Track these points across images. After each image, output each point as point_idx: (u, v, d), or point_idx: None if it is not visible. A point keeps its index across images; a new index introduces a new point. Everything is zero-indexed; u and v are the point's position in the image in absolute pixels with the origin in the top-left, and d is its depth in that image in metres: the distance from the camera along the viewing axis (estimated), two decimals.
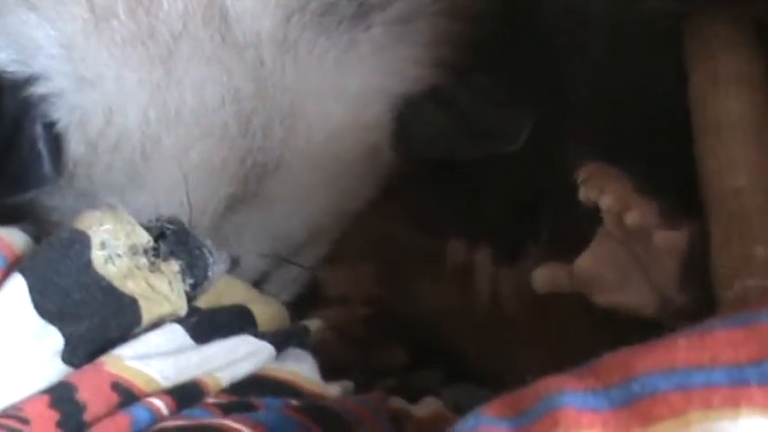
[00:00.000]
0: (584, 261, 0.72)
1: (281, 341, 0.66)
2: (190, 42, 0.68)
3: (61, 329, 0.58)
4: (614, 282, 0.71)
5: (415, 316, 0.84)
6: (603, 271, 0.71)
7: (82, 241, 0.61)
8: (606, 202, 0.69)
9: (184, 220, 0.69)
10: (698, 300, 0.69)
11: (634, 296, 0.70)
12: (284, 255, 0.77)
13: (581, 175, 0.70)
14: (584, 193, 0.70)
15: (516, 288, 0.82)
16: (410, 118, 0.75)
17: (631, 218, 0.68)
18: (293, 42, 0.69)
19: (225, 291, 0.68)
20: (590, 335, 0.75)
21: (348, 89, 0.72)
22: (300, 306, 0.78)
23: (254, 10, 0.68)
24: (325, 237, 0.79)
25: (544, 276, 0.73)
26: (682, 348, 0.44)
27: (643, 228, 0.68)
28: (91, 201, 0.70)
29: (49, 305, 0.58)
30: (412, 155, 0.77)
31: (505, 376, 0.79)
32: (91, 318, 0.59)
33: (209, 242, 0.67)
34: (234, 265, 0.71)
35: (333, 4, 0.70)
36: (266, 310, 0.68)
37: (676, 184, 0.71)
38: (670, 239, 0.68)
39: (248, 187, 0.72)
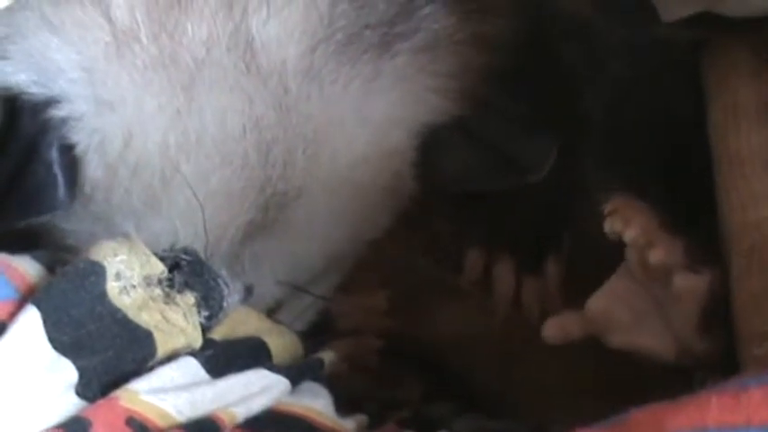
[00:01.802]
0: (598, 301, 0.71)
1: (296, 375, 0.65)
2: (213, 69, 0.67)
3: (75, 362, 0.57)
4: (630, 323, 0.70)
5: (429, 346, 0.83)
6: (619, 312, 0.70)
7: (97, 272, 0.60)
8: (631, 235, 0.68)
9: (201, 246, 0.69)
10: (718, 348, 0.68)
11: (651, 340, 0.69)
12: (301, 283, 0.76)
13: (608, 207, 0.69)
14: (610, 225, 0.69)
15: (538, 295, 0.81)
16: (434, 148, 0.74)
17: (655, 255, 0.67)
18: (318, 71, 0.69)
19: (239, 322, 0.67)
20: (606, 354, 0.75)
21: (372, 118, 0.71)
22: (313, 336, 0.77)
23: (281, 38, 0.68)
24: (341, 265, 0.79)
25: (554, 327, 0.72)
26: (714, 407, 0.43)
27: (666, 266, 0.67)
28: (108, 225, 0.69)
29: (62, 337, 0.57)
30: (435, 185, 0.77)
31: (521, 406, 0.79)
32: (105, 350, 0.59)
33: (224, 272, 0.67)
34: (248, 294, 0.71)
35: (357, 33, 0.69)
36: (280, 342, 0.68)
37: (696, 214, 0.70)
38: (691, 283, 0.66)
39: (268, 215, 0.71)
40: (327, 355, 0.70)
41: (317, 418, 0.64)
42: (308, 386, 0.66)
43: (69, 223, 0.70)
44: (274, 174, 0.69)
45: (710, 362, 0.68)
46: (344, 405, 0.68)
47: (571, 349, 0.79)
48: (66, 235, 0.70)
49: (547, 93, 0.76)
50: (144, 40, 0.66)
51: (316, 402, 0.65)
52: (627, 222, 0.68)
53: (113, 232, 0.67)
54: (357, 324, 0.82)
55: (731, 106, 0.72)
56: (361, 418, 0.67)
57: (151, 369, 0.60)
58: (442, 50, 0.72)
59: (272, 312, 0.76)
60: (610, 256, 0.71)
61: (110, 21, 0.66)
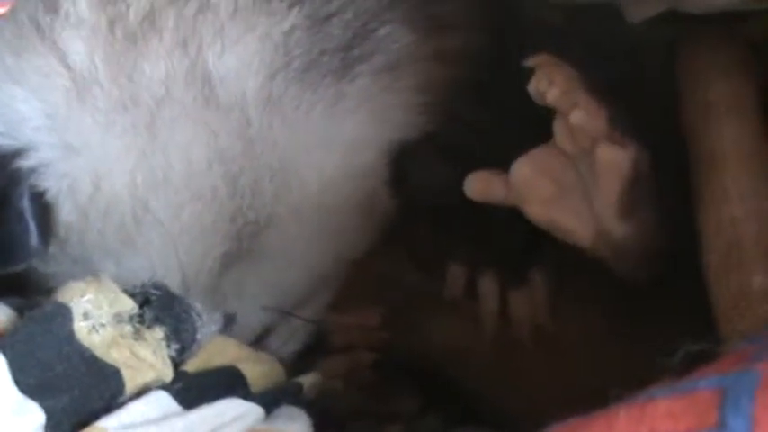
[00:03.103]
0: (523, 167, 0.68)
1: (272, 400, 0.66)
2: (173, 106, 0.68)
3: (42, 403, 0.58)
4: (551, 197, 0.68)
5: (422, 358, 0.83)
6: (542, 181, 0.68)
7: (63, 314, 0.61)
8: (554, 94, 0.65)
9: (180, 280, 0.70)
10: (638, 237, 0.66)
11: (570, 218, 0.67)
12: (287, 307, 0.77)
13: (531, 61, 0.67)
14: (534, 84, 0.66)
15: (527, 308, 0.80)
16: (407, 164, 0.75)
17: (577, 116, 0.64)
18: (278, 100, 0.70)
19: (215, 352, 0.68)
20: (599, 363, 0.74)
21: (339, 140, 0.72)
22: (307, 356, 0.78)
23: (238, 71, 0.69)
24: (329, 285, 0.79)
25: (477, 184, 0.70)
26: (622, 420, 0.43)
27: (589, 132, 0.64)
28: (86, 266, 0.71)
29: (29, 380, 0.58)
30: (413, 200, 0.77)
31: (514, 416, 0.79)
32: (72, 390, 0.59)
33: (197, 304, 0.68)
34: (230, 323, 0.71)
35: (315, 60, 0.70)
36: (258, 369, 0.68)
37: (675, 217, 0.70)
38: (614, 156, 0.64)
39: (242, 245, 0.72)
40: (309, 378, 0.71)
41: None
42: (286, 410, 0.67)
43: (49, 267, 0.72)
44: (244, 204, 0.71)
45: (625, 253, 0.67)
46: (333, 424, 0.69)
47: (566, 359, 0.78)
48: (47, 279, 0.72)
49: (518, 100, 0.76)
50: (103, 83, 0.68)
51: (292, 426, 0.65)
52: (551, 81, 0.66)
53: (93, 272, 0.68)
54: (350, 341, 0.82)
55: (703, 104, 0.71)
56: None
57: (122, 405, 0.61)
58: (405, 68, 0.73)
59: (261, 338, 0.77)
60: (594, 263, 0.71)
61: (68, 67, 0.68)
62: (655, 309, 0.75)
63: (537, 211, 0.68)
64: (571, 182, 0.67)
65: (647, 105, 0.74)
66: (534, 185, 0.68)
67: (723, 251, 0.67)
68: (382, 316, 0.83)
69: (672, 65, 0.74)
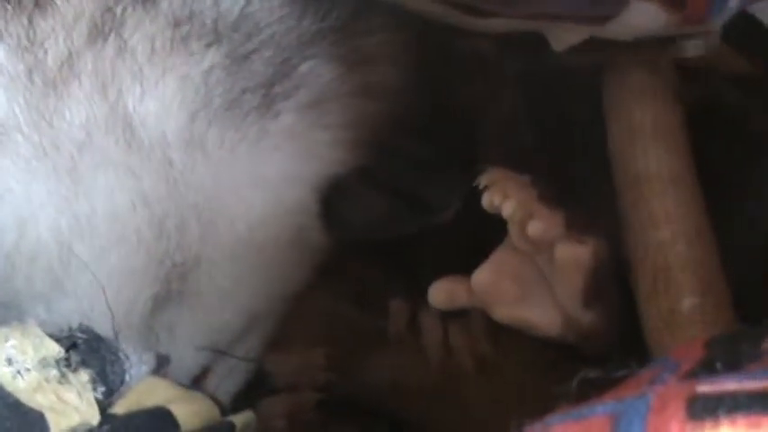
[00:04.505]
0: (483, 274, 0.69)
1: None
2: (95, 151, 0.68)
3: None
4: (516, 296, 0.68)
5: (364, 393, 0.83)
6: (504, 284, 0.69)
7: None
8: (509, 208, 0.66)
9: (110, 323, 0.70)
10: (605, 320, 0.66)
11: (536, 313, 0.68)
12: (223, 346, 0.77)
13: (484, 180, 0.68)
14: (487, 199, 0.67)
15: (468, 341, 0.80)
16: (338, 200, 0.75)
17: (533, 228, 0.65)
18: (201, 139, 0.70)
19: (145, 393, 0.67)
20: (544, 390, 0.74)
21: (266, 178, 0.72)
22: (249, 395, 0.78)
23: (158, 113, 0.69)
24: (264, 322, 0.79)
25: (441, 291, 0.71)
26: None
27: (546, 240, 0.65)
28: (18, 312, 0.70)
29: None
30: (345, 236, 0.77)
31: None
32: None
33: (126, 346, 0.68)
34: (163, 364, 0.72)
35: (236, 98, 0.70)
36: (190, 408, 0.68)
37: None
38: (573, 253, 0.65)
39: (171, 286, 0.72)
40: (241, 417, 0.71)
41: None
42: None
43: None
44: (170, 245, 0.71)
45: (595, 336, 0.67)
46: None
47: (508, 387, 0.79)
48: None
49: (447, 131, 0.76)
50: (24, 129, 0.68)
51: None
52: (505, 195, 0.66)
53: (25, 318, 0.69)
54: (294, 381, 0.82)
55: (627, 127, 0.72)
56: None
57: None
58: (331, 104, 0.73)
59: (199, 379, 0.77)
60: None
61: None
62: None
63: (504, 313, 0.69)
64: (532, 278, 0.68)
65: (582, 134, 0.75)
66: (497, 290, 0.69)
67: (651, 274, 0.67)
68: (326, 356, 0.83)
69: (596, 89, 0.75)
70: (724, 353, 0.45)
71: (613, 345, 0.70)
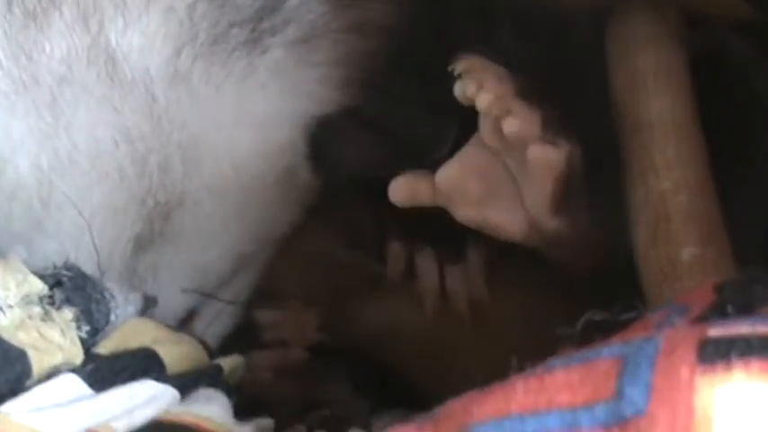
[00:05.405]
0: (449, 171, 0.66)
1: (188, 383, 0.64)
2: (76, 85, 0.66)
3: None
4: (481, 196, 0.66)
5: (353, 342, 0.81)
6: (470, 183, 0.66)
7: None
8: (484, 101, 0.63)
9: (95, 263, 0.69)
10: (572, 229, 0.64)
11: (501, 215, 0.66)
12: (210, 289, 0.75)
13: (459, 66, 0.65)
14: (461, 89, 0.64)
15: (463, 284, 0.79)
16: (327, 140, 0.73)
17: (509, 125, 0.62)
18: (185, 75, 0.68)
19: (131, 333, 0.66)
20: (535, 340, 0.73)
21: (252, 115, 0.70)
22: (239, 343, 0.76)
23: (142, 46, 0.67)
24: (253, 265, 0.78)
25: (403, 187, 0.69)
26: (519, 392, 0.42)
27: (520, 138, 0.63)
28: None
29: None
30: (334, 176, 0.76)
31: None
32: None
33: (111, 285, 0.66)
34: (150, 305, 0.70)
35: (223, 33, 0.68)
36: (177, 351, 0.66)
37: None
38: (546, 156, 0.62)
39: (154, 226, 0.70)
40: (230, 361, 0.69)
41: (207, 425, 0.62)
42: (204, 393, 0.65)
43: None
44: (153, 184, 0.69)
45: (559, 244, 0.65)
46: (255, 408, 0.68)
47: (503, 336, 0.78)
48: None
49: (440, 70, 0.74)
50: (3, 62, 0.66)
51: (208, 409, 0.63)
52: (480, 86, 0.64)
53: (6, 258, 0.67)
54: (285, 337, 0.81)
55: (630, 74, 0.70)
56: (265, 422, 0.66)
57: (29, 389, 0.60)
58: (321, 40, 0.71)
59: (185, 322, 0.75)
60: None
61: None
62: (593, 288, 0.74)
63: (466, 213, 0.67)
64: (499, 178, 0.66)
65: (579, 81, 0.73)
66: (462, 188, 0.66)
67: (652, 223, 0.66)
68: (318, 318, 0.81)
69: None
70: (735, 296, 0.44)
71: (582, 257, 0.68)
